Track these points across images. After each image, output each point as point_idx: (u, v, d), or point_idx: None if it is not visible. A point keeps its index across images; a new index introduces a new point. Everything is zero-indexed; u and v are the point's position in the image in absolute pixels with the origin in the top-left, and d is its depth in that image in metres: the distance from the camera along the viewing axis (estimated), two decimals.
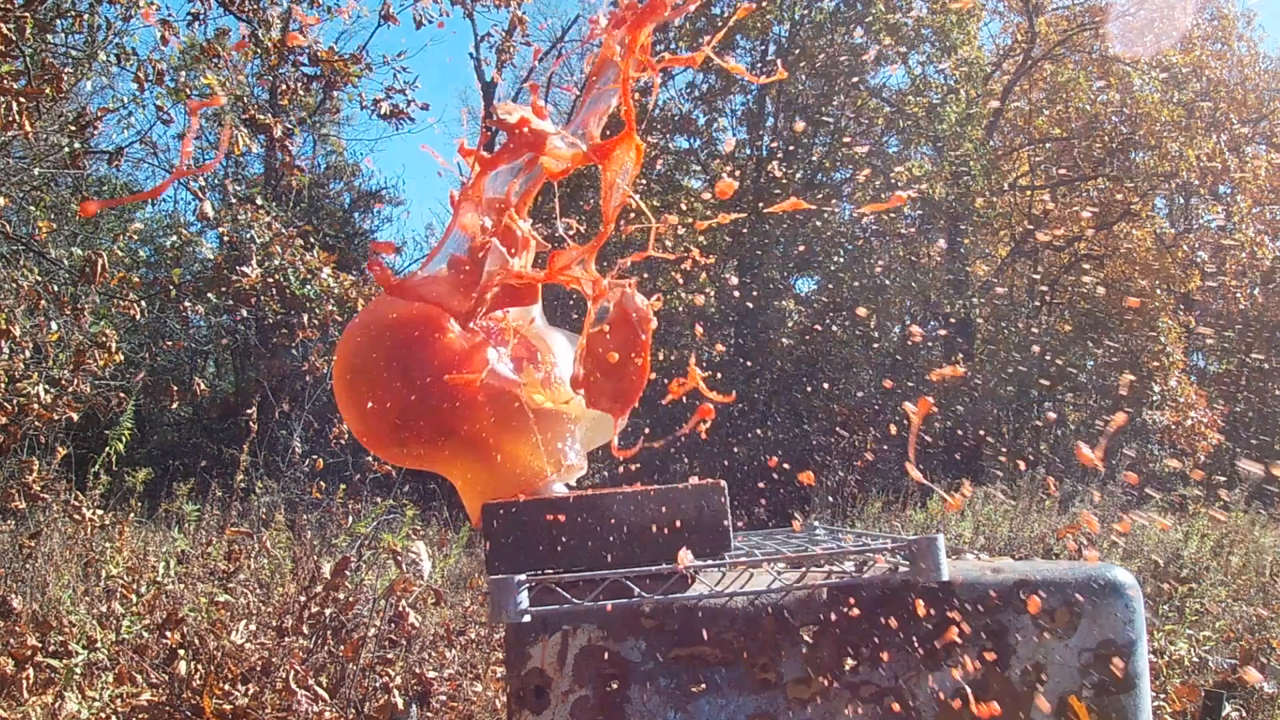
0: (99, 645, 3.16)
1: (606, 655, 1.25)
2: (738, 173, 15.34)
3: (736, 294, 13.35)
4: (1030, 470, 9.57)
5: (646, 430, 1.74)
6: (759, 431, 12.13)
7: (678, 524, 1.36)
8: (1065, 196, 17.68)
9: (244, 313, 6.43)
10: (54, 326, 4.65)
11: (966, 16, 14.94)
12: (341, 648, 3.23)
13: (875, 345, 14.37)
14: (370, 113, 5.90)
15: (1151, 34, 16.15)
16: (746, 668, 1.25)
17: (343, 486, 5.27)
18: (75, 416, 4.44)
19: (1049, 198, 17.53)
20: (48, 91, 4.25)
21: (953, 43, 14.91)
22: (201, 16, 5.14)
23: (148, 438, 12.00)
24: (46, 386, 4.30)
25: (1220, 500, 7.97)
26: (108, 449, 4.21)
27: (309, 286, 5.37)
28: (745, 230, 13.59)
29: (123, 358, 4.76)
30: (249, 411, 4.54)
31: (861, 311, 13.34)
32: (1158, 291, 16.44)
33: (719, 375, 13.09)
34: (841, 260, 14.55)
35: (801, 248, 14.11)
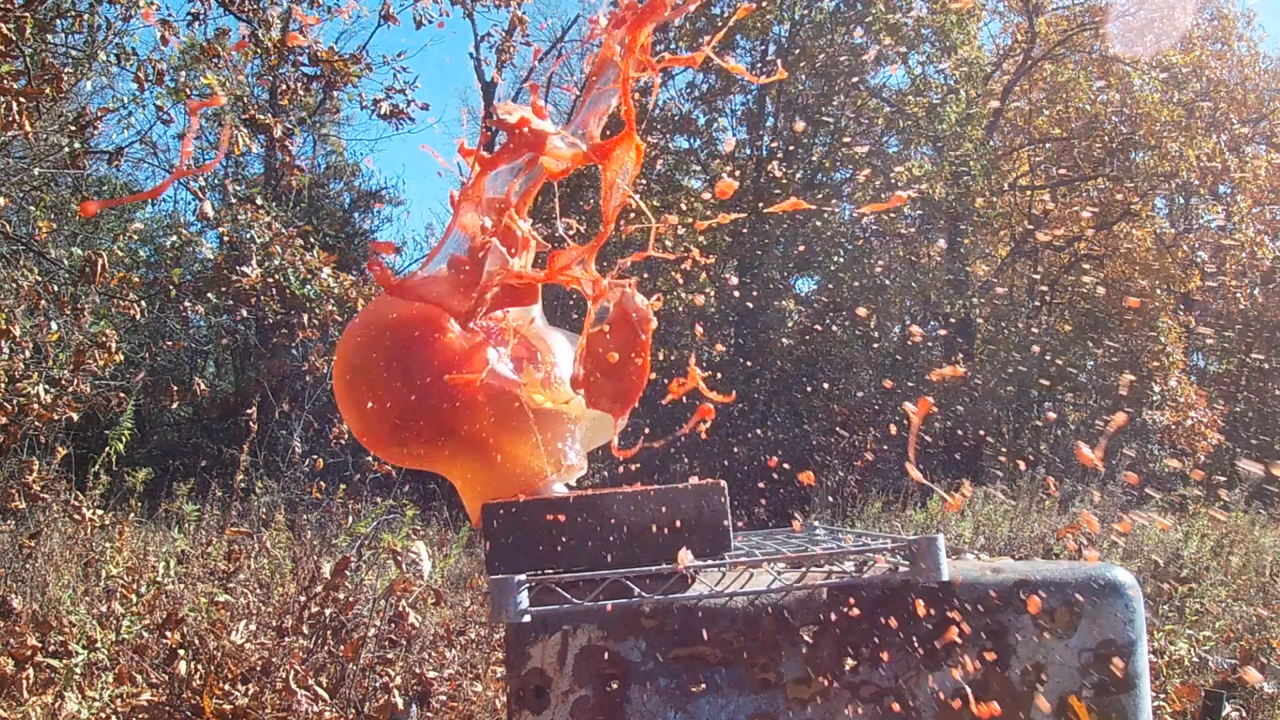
0: (99, 645, 3.16)
1: (606, 655, 1.25)
2: (737, 173, 15.34)
3: (736, 294, 13.35)
4: (1030, 470, 9.57)
5: (646, 430, 1.74)
6: (759, 431, 12.13)
7: (678, 524, 1.36)
8: (1065, 196, 17.68)
9: (244, 313, 6.43)
10: (54, 326, 4.65)
11: (966, 16, 14.95)
12: (341, 648, 3.23)
13: (875, 345, 14.37)
14: (370, 113, 5.90)
15: (1151, 34, 16.16)
16: (746, 668, 1.25)
17: (343, 486, 5.27)
18: (75, 416, 4.44)
19: (1049, 197, 17.53)
20: (48, 91, 4.25)
21: (953, 43, 14.91)
22: (201, 17, 5.14)
23: (148, 438, 12.00)
24: (46, 386, 4.30)
25: (1220, 500, 7.97)
26: (108, 449, 4.21)
27: (309, 286, 5.37)
28: (745, 230, 13.60)
29: (123, 358, 4.76)
30: (249, 411, 4.54)
31: (861, 311, 13.34)
32: (1158, 291, 16.44)
33: (719, 375, 13.10)
34: (841, 260, 14.55)
35: (801, 248, 14.11)
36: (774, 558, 1.35)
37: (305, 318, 5.46)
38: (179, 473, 6.43)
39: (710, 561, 1.33)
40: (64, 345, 4.60)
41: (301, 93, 5.84)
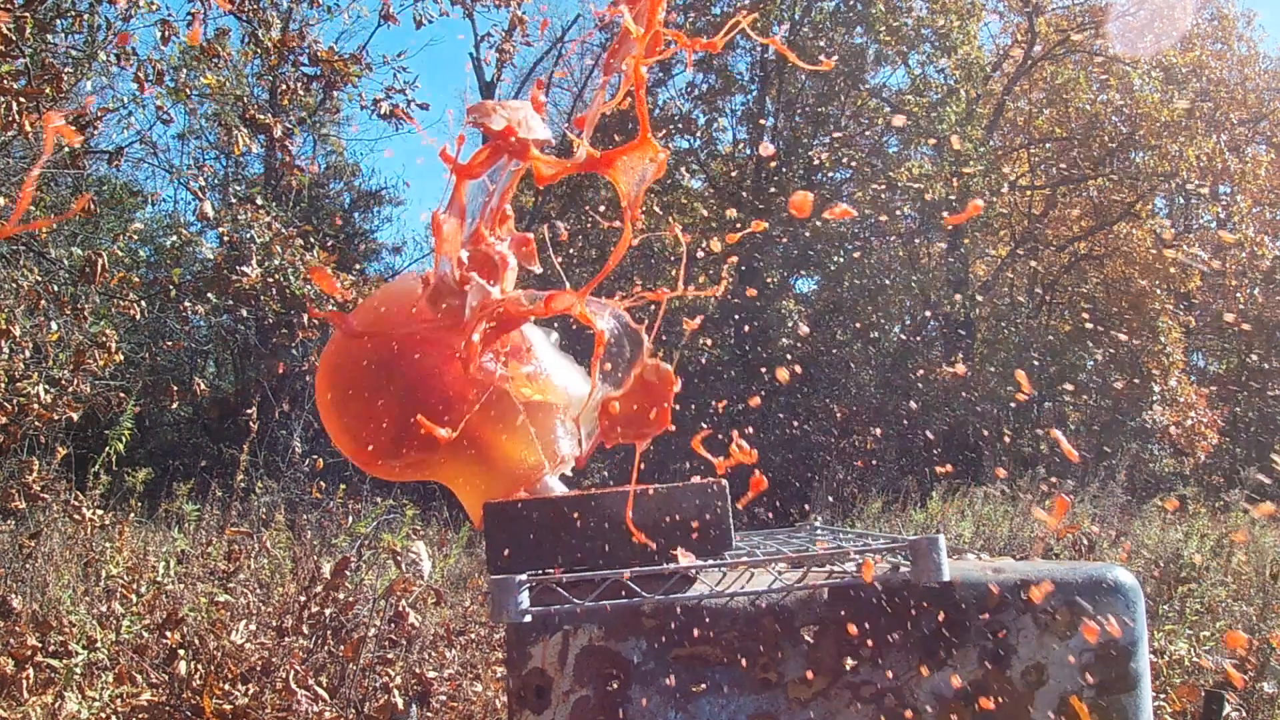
0: (99, 645, 3.16)
1: (607, 655, 1.25)
2: (736, 173, 15.34)
3: (736, 301, 13.34)
4: (1030, 470, 9.56)
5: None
6: (759, 432, 12.14)
7: (678, 524, 1.36)
8: (1065, 196, 17.68)
9: (244, 313, 6.43)
10: (54, 326, 4.65)
11: (966, 16, 14.95)
12: (341, 648, 3.23)
13: (875, 345, 14.37)
14: (370, 113, 5.89)
15: (1151, 34, 16.15)
16: (747, 668, 1.25)
17: (343, 486, 5.27)
18: (75, 416, 4.44)
19: (1049, 195, 17.53)
20: (48, 91, 4.25)
21: (953, 43, 14.92)
22: (202, 17, 5.14)
23: (148, 438, 12.00)
24: (46, 386, 4.30)
25: (1220, 500, 7.97)
26: (108, 449, 4.21)
27: (309, 286, 5.36)
28: (739, 225, 13.60)
29: (123, 358, 4.75)
30: (249, 411, 4.54)
31: (861, 314, 13.35)
32: (1158, 291, 16.44)
33: (724, 375, 13.10)
34: (841, 260, 14.56)
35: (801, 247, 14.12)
36: (775, 558, 1.35)
37: (305, 318, 5.46)
38: (179, 473, 6.43)
39: (711, 561, 1.33)
40: (64, 345, 4.60)
41: (301, 93, 5.84)
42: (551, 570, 1.31)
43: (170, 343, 8.01)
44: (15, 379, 4.21)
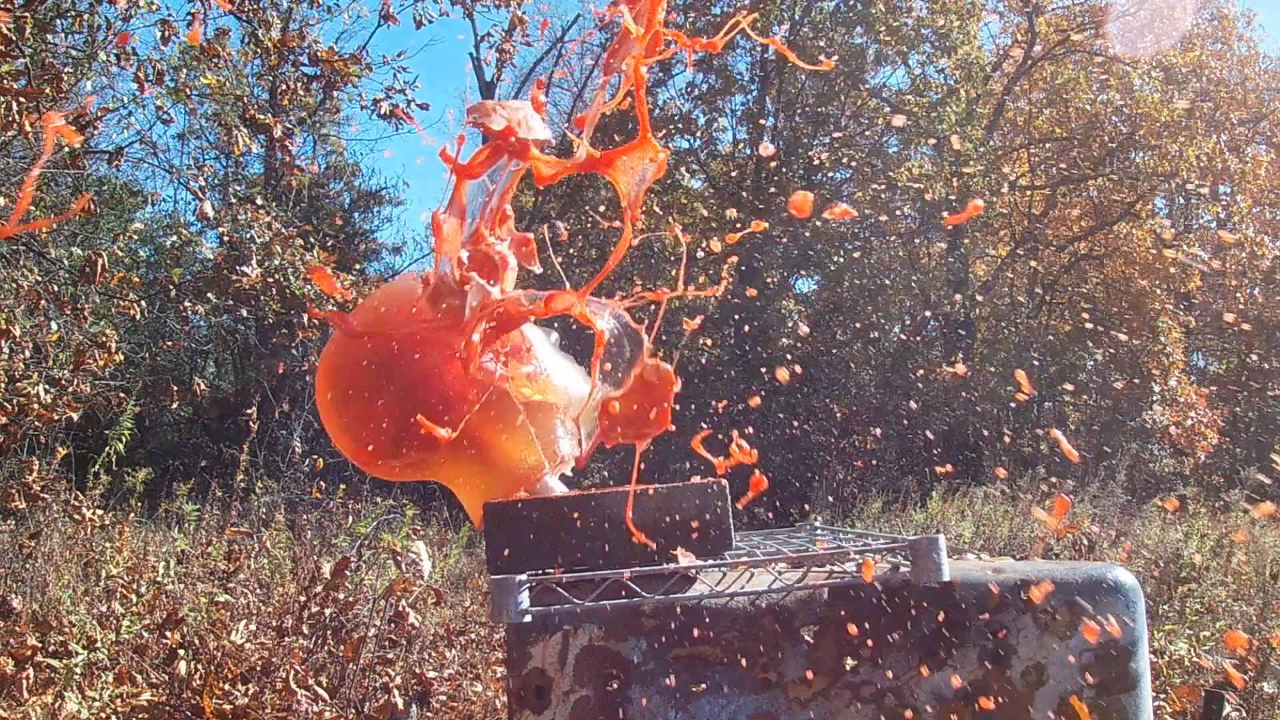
0: (99, 645, 3.16)
1: (607, 655, 1.25)
2: (736, 173, 15.34)
3: (736, 301, 13.34)
4: (1030, 470, 9.56)
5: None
6: (759, 432, 12.13)
7: (678, 524, 1.36)
8: (1065, 196, 17.68)
9: (244, 312, 6.42)
10: (54, 326, 4.65)
11: (966, 16, 14.95)
12: (341, 648, 3.23)
13: (875, 345, 14.37)
14: (370, 113, 5.88)
15: (1151, 34, 16.15)
16: (747, 668, 1.25)
17: (343, 486, 5.27)
18: (75, 416, 4.43)
19: (1049, 195, 17.53)
20: (48, 91, 4.25)
21: (953, 43, 14.91)
22: (202, 17, 5.13)
23: (148, 438, 12.00)
24: (46, 386, 4.29)
25: (1220, 500, 7.97)
26: (108, 449, 4.21)
27: (309, 286, 5.36)
28: (739, 224, 13.60)
29: (123, 358, 4.75)
30: (249, 411, 4.54)
31: (861, 314, 13.35)
32: (1158, 291, 16.44)
33: (724, 375, 13.10)
34: (841, 260, 14.55)
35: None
36: (775, 558, 1.35)
37: (305, 318, 5.46)
38: (179, 473, 6.43)
39: (711, 561, 1.33)
40: (64, 345, 4.60)
41: (301, 93, 5.84)
42: (551, 570, 1.31)
43: (170, 343, 8.01)
44: (15, 379, 4.21)
